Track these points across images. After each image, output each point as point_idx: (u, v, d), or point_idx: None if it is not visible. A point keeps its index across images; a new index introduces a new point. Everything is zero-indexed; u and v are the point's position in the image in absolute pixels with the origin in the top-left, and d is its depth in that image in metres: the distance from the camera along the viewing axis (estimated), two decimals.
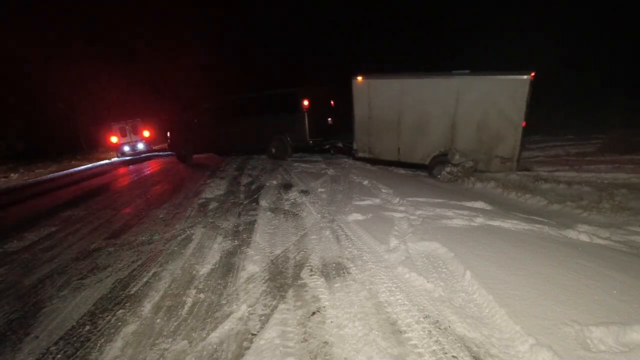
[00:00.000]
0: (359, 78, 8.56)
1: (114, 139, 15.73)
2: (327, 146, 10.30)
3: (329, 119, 10.17)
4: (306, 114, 9.26)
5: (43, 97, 19.87)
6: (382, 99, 8.38)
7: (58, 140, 19.93)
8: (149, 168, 11.50)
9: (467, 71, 7.26)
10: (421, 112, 7.85)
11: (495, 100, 6.88)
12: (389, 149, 8.54)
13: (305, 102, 9.22)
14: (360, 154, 9.02)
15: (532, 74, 6.49)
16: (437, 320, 2.31)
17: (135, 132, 15.91)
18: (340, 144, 10.01)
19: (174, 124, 11.63)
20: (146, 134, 16.02)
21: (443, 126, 7.61)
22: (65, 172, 13.13)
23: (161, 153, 15.16)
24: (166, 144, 12.25)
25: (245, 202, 5.76)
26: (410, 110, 8.00)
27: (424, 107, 7.78)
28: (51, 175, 12.51)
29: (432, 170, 7.80)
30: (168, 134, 11.52)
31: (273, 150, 9.88)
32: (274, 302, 2.71)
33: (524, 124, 6.72)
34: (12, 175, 13.04)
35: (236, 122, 10.17)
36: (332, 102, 10.43)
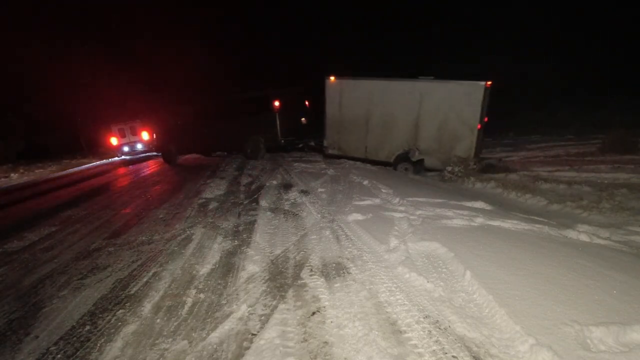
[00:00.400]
0: (332, 78, 9.05)
1: (113, 140, 15.93)
2: (301, 145, 10.74)
3: (303, 119, 10.52)
4: (277, 115, 9.68)
5: (43, 98, 19.88)
6: (352, 99, 8.84)
7: (58, 140, 19.95)
8: (149, 168, 11.50)
9: (432, 77, 7.79)
10: (388, 112, 8.36)
11: (454, 103, 7.43)
12: (357, 146, 9.00)
13: (276, 104, 9.61)
14: (330, 151, 9.50)
15: (489, 82, 7.18)
16: (437, 320, 2.31)
17: (134, 133, 16.26)
18: (312, 143, 10.48)
19: (160, 126, 11.87)
20: (145, 135, 16.22)
21: (407, 127, 8.14)
22: (65, 172, 13.14)
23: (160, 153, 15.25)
24: (153, 146, 12.64)
25: (245, 202, 5.76)
26: (377, 111, 8.50)
27: (390, 108, 8.30)
28: (51, 175, 12.51)
29: (395, 167, 8.33)
30: (154, 135, 11.86)
31: (248, 150, 10.30)
32: (274, 302, 2.71)
33: (479, 126, 7.28)
34: (13, 175, 13.04)
35: (215, 123, 10.54)
36: (306, 103, 10.73)
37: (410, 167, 8.09)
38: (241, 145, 10.32)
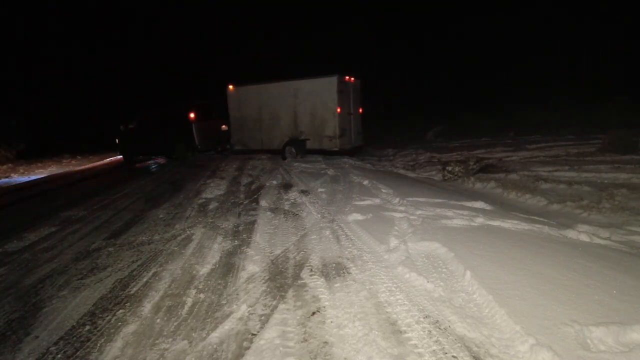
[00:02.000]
0: (230, 87, 11.09)
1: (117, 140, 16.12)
2: (220, 149, 12.38)
3: (223, 125, 12.09)
4: (193, 124, 11.38)
5: (43, 98, 19.89)
6: (248, 102, 10.85)
7: (58, 140, 19.96)
8: (148, 168, 11.50)
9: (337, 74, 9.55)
10: (274, 109, 10.39)
11: (318, 95, 9.49)
12: (256, 141, 10.97)
13: (192, 115, 11.35)
14: (237, 147, 11.42)
15: (347, 77, 9.60)
16: (437, 320, 2.30)
17: None
18: (228, 146, 12.03)
19: (120, 132, 13.05)
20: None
21: (289, 118, 10.16)
22: (65, 171, 13.14)
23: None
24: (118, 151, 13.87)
25: (245, 202, 5.76)
26: (266, 109, 10.50)
27: (275, 106, 10.33)
28: (52, 174, 12.51)
29: (283, 153, 10.19)
30: (117, 140, 13.01)
31: (174, 155, 11.97)
32: (274, 302, 2.71)
33: (339, 110, 9.32)
34: (13, 175, 13.05)
35: (153, 131, 12.10)
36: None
37: (293, 150, 9.99)
38: (171, 150, 12.01)
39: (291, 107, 9.98)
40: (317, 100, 9.50)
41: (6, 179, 11.83)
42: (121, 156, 13.35)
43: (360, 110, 10.64)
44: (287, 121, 10.15)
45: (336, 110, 9.25)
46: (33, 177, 11.78)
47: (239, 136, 11.27)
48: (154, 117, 12.44)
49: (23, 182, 10.86)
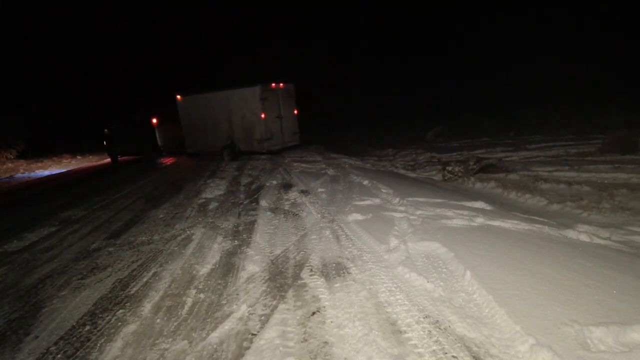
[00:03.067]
0: (179, 97, 12.25)
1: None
2: (182, 150, 13.34)
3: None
4: (156, 129, 13.52)
5: (43, 98, 19.90)
6: (194, 110, 12.03)
7: (58, 140, 19.96)
8: (143, 167, 11.50)
9: (261, 83, 10.58)
10: (214, 116, 11.54)
11: (246, 103, 10.62)
12: (203, 144, 12.14)
13: (154, 121, 13.43)
14: (189, 151, 12.63)
15: (273, 84, 10.62)
16: (437, 320, 2.30)
17: None
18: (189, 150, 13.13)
19: (106, 135, 14.38)
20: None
21: (226, 124, 11.30)
22: (65, 170, 13.17)
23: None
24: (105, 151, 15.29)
25: (245, 202, 5.76)
26: (209, 116, 11.66)
27: (215, 113, 11.48)
28: (51, 174, 12.51)
29: (222, 155, 11.27)
30: (104, 142, 14.27)
31: (143, 155, 13.86)
32: (274, 302, 2.71)
33: (263, 115, 10.35)
34: (13, 174, 13.06)
35: (129, 133, 13.84)
36: None
37: (229, 152, 11.13)
38: (143, 151, 13.71)
39: (226, 114, 11.18)
40: (245, 108, 10.68)
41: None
42: (109, 156, 14.77)
43: (296, 112, 11.60)
44: (225, 126, 11.33)
45: (261, 116, 10.36)
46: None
47: (191, 140, 12.49)
48: (130, 122, 14.57)
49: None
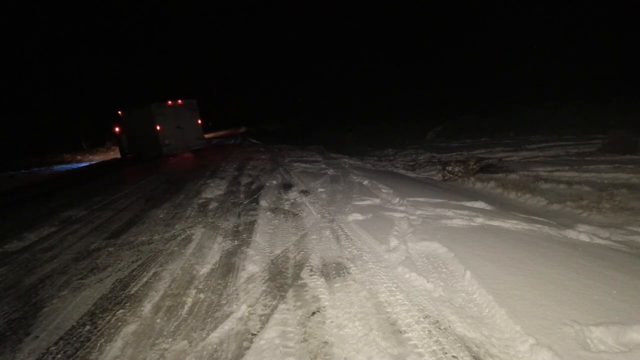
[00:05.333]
0: (120, 112, 15.66)
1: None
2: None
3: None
4: (120, 135, 16.41)
5: (44, 98, 19.91)
6: (133, 121, 15.20)
7: (59, 140, 19.98)
8: (144, 166, 11.50)
9: (156, 102, 13.70)
10: (137, 127, 14.82)
11: (146, 118, 13.70)
12: (142, 149, 14.75)
13: (117, 129, 16.48)
14: (130, 154, 15.70)
15: (171, 102, 13.94)
16: (437, 320, 2.30)
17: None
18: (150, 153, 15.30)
19: (115, 134, 17.45)
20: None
21: (143, 134, 14.30)
22: (65, 169, 13.20)
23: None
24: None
25: (245, 202, 5.76)
26: (142, 125, 14.23)
27: (137, 124, 14.71)
28: (51, 173, 12.52)
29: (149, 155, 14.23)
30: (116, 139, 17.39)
31: (119, 156, 16.87)
32: (274, 302, 2.71)
33: (158, 128, 13.52)
34: (13, 174, 13.05)
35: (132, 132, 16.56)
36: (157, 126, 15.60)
37: (143, 155, 14.23)
38: (121, 152, 16.81)
39: (142, 126, 14.25)
40: (147, 122, 13.68)
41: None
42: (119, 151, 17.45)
43: (200, 122, 14.94)
44: (145, 135, 14.27)
45: (156, 129, 13.44)
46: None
47: (132, 145, 15.89)
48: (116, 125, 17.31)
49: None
